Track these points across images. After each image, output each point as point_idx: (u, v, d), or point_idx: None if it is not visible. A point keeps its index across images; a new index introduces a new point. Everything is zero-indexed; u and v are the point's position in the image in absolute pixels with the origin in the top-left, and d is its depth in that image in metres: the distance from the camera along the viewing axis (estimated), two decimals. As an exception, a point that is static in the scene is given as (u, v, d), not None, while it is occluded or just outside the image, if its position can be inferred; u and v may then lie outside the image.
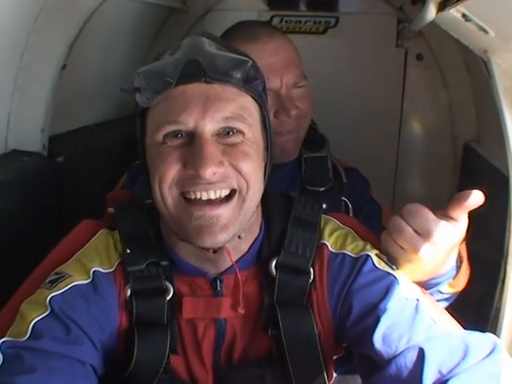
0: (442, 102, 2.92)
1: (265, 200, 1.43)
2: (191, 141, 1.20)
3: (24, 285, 1.38)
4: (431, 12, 1.61)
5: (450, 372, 1.13)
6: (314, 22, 2.92)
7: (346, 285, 1.31)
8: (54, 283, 1.28)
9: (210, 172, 1.16)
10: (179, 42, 1.29)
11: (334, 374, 1.55)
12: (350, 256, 1.34)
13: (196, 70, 1.20)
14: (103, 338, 1.29)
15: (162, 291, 1.34)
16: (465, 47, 1.82)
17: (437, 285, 1.41)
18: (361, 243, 1.38)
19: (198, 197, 1.21)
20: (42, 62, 1.99)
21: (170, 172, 1.20)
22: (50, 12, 1.88)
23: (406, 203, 2.99)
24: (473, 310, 1.99)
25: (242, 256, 1.36)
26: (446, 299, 1.49)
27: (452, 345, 1.17)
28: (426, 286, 1.38)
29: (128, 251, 1.34)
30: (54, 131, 2.21)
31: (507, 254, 1.78)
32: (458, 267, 1.43)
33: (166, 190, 1.22)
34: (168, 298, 1.34)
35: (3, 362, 1.14)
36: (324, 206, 1.46)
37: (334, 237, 1.39)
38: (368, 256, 1.33)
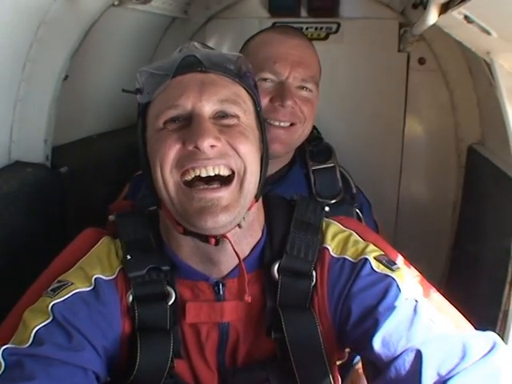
0: (445, 106, 2.92)
1: (266, 204, 1.45)
2: (189, 123, 1.25)
3: (27, 293, 1.38)
4: (433, 15, 1.61)
5: (448, 373, 1.12)
6: (316, 28, 2.92)
7: (345, 289, 1.32)
8: (56, 291, 1.29)
9: (207, 144, 1.20)
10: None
11: (340, 380, 1.53)
12: (350, 261, 1.34)
13: (192, 62, 1.29)
14: (106, 344, 1.29)
15: (164, 296, 1.34)
16: (467, 49, 1.81)
17: None
18: (361, 246, 1.38)
19: (198, 174, 1.23)
20: (43, 73, 2.00)
21: (171, 152, 1.23)
22: (51, 23, 1.88)
23: (410, 207, 3.04)
24: (480, 312, 1.98)
25: (244, 259, 1.36)
26: None
27: (450, 346, 1.17)
28: None
29: (129, 257, 1.35)
30: (57, 142, 2.22)
31: (514, 256, 1.77)
32: None
33: (168, 174, 1.24)
34: (170, 302, 1.34)
35: (4, 369, 1.13)
36: (327, 209, 1.47)
37: (336, 241, 1.40)
38: (366, 260, 1.33)
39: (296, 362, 1.31)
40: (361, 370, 1.87)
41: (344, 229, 1.45)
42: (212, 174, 1.23)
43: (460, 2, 1.34)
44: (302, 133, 1.97)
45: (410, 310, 1.23)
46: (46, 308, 1.24)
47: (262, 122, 1.39)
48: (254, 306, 1.37)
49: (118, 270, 1.36)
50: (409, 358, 1.17)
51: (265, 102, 1.87)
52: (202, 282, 1.36)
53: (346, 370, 1.90)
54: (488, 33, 1.42)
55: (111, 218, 1.47)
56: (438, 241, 3.05)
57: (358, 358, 1.90)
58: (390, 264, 1.34)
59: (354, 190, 2.11)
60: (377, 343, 1.22)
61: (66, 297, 1.27)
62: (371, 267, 1.32)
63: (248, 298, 1.34)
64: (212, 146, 1.21)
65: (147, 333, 1.32)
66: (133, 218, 1.46)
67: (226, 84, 1.29)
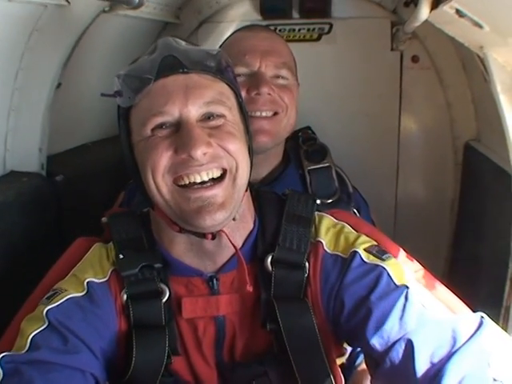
0: (440, 103, 2.92)
1: (258, 198, 1.47)
2: (178, 129, 1.25)
3: (25, 305, 1.39)
4: (425, 10, 1.61)
5: (441, 360, 1.12)
6: (308, 30, 2.92)
7: (336, 282, 1.33)
8: (50, 298, 1.29)
9: (200, 152, 1.21)
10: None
11: (343, 381, 1.52)
12: (341, 257, 1.35)
13: (173, 63, 1.27)
14: (103, 345, 1.29)
15: (158, 293, 1.35)
16: (460, 45, 1.81)
17: None
18: (352, 239, 1.39)
19: (192, 180, 1.24)
20: (36, 82, 2.00)
21: (162, 160, 1.24)
22: (42, 30, 1.88)
23: (408, 205, 3.03)
24: (481, 310, 1.97)
25: (234, 254, 1.36)
26: None
27: (441, 332, 1.17)
28: None
29: (121, 256, 1.36)
30: (52, 151, 2.21)
31: (514, 252, 1.77)
32: None
33: (160, 179, 1.25)
34: (164, 299, 1.34)
35: (3, 377, 1.13)
36: (318, 201, 1.47)
37: (330, 235, 1.40)
38: (356, 252, 1.33)
39: (293, 352, 1.31)
40: (363, 370, 1.86)
41: (337, 222, 1.46)
42: (206, 178, 1.25)
43: (451, -4, 1.34)
44: (286, 122, 1.96)
45: (401, 297, 1.24)
46: (41, 314, 1.25)
47: (245, 113, 1.40)
48: (249, 299, 1.38)
49: (109, 271, 1.37)
50: (401, 349, 1.18)
51: (242, 94, 1.87)
52: (195, 277, 1.37)
53: (349, 371, 1.89)
54: (480, 26, 1.42)
55: (104, 219, 1.49)
56: (436, 239, 3.04)
57: (360, 358, 1.89)
58: (381, 254, 1.34)
59: (351, 190, 2.10)
60: (370, 333, 1.23)
61: (59, 302, 1.27)
62: (361, 258, 1.33)
63: (250, 288, 1.34)
64: (205, 153, 1.22)
65: (142, 330, 1.32)
66: (125, 218, 1.48)
67: (209, 83, 1.30)
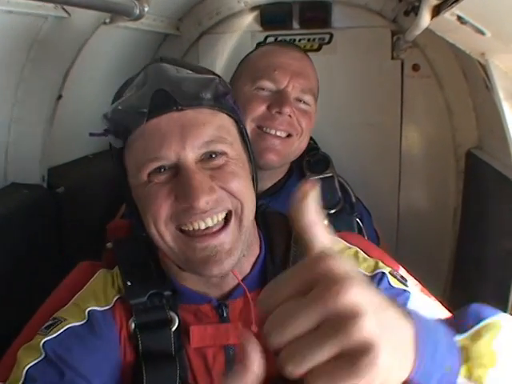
0: (441, 111, 2.91)
1: (264, 220, 1.41)
2: (177, 173, 1.18)
3: (24, 331, 1.34)
4: (426, 18, 1.60)
5: None
6: (308, 40, 2.92)
7: None
8: (49, 328, 1.24)
9: (203, 202, 1.14)
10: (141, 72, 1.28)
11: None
12: (365, 274, 1.29)
13: (165, 100, 1.17)
14: (103, 378, 1.23)
15: (167, 322, 1.29)
16: (461, 52, 1.81)
17: None
18: (372, 262, 1.34)
19: (196, 227, 1.18)
20: (37, 93, 1.99)
21: (163, 209, 1.17)
22: (43, 42, 1.88)
23: (411, 214, 3.02)
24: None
25: (245, 277, 1.32)
26: None
27: None
28: None
29: (129, 283, 1.31)
30: (52, 162, 2.21)
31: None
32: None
33: (163, 227, 1.19)
34: (173, 328, 1.29)
35: None
36: (325, 222, 1.43)
37: (345, 255, 1.35)
38: (383, 274, 1.29)
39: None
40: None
41: (349, 246, 1.40)
42: (211, 224, 1.19)
43: (453, 3, 1.34)
44: (298, 146, 1.96)
45: None
46: (38, 345, 1.20)
47: (247, 140, 1.33)
48: (260, 326, 1.34)
49: (114, 299, 1.32)
50: None
51: (262, 109, 1.86)
52: (204, 304, 1.32)
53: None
54: (482, 33, 1.41)
55: (109, 245, 1.45)
56: (440, 247, 3.03)
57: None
58: (404, 280, 1.31)
59: (354, 200, 2.09)
60: None
61: (58, 333, 1.22)
62: (388, 282, 1.28)
63: (254, 329, 1.28)
64: (208, 202, 1.16)
65: (152, 360, 1.26)
66: (130, 243, 1.43)
67: (207, 119, 1.20)
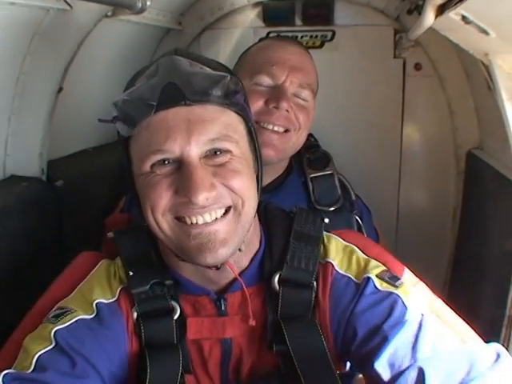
0: (442, 111, 2.90)
1: (265, 215, 1.42)
2: (179, 166, 1.18)
3: (26, 319, 1.35)
4: (430, 17, 1.59)
5: None
6: (311, 37, 2.91)
7: (348, 308, 1.29)
8: (58, 317, 1.25)
9: (202, 198, 1.15)
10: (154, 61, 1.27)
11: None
12: (354, 281, 1.32)
13: (174, 94, 1.17)
14: (113, 368, 1.26)
15: (169, 311, 1.31)
16: (464, 53, 1.81)
17: None
18: (363, 264, 1.35)
19: (194, 222, 1.19)
20: (37, 86, 1.98)
21: (162, 200, 1.18)
22: (44, 35, 1.87)
23: (410, 213, 3.02)
24: (484, 317, 1.96)
25: (243, 271, 1.34)
26: None
27: (455, 362, 1.14)
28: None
29: (131, 273, 1.33)
30: (52, 156, 2.20)
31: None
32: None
33: (160, 217, 1.20)
34: (175, 317, 1.31)
35: None
36: (326, 220, 1.44)
37: (340, 256, 1.37)
38: (369, 279, 1.30)
39: (303, 374, 1.26)
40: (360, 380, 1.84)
41: (346, 244, 1.42)
42: (209, 220, 1.19)
43: (457, 3, 1.33)
44: (295, 141, 1.95)
45: (415, 325, 1.21)
46: (49, 334, 1.21)
47: (255, 138, 1.33)
48: (257, 321, 1.34)
49: (118, 290, 1.34)
50: (411, 377, 1.15)
51: (259, 104, 1.85)
52: (203, 296, 1.33)
53: (349, 379, 1.87)
54: (486, 33, 1.40)
55: (110, 235, 1.44)
56: (439, 247, 3.03)
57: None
58: (393, 280, 1.31)
59: (353, 197, 2.09)
60: (382, 361, 1.19)
61: (69, 323, 1.24)
62: (374, 286, 1.29)
63: (252, 322, 1.32)
64: (207, 198, 1.16)
65: (155, 349, 1.29)
66: (131, 233, 1.43)
67: (215, 116, 1.20)
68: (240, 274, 1.32)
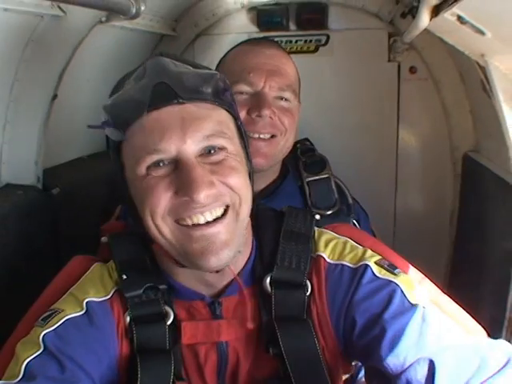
0: (438, 114, 2.91)
1: (256, 216, 1.40)
2: (176, 167, 1.17)
3: (20, 325, 1.34)
4: (425, 18, 1.59)
5: None
6: (305, 41, 2.91)
7: (346, 298, 1.27)
8: (46, 320, 1.24)
9: (203, 195, 1.13)
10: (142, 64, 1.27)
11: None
12: (349, 267, 1.30)
13: (166, 93, 1.16)
14: (102, 370, 1.24)
15: (162, 316, 1.30)
16: (459, 55, 1.81)
17: None
18: (360, 251, 1.34)
19: (195, 222, 1.18)
20: (32, 93, 1.97)
21: (161, 202, 1.16)
22: (38, 41, 1.86)
23: (408, 216, 3.02)
24: (484, 321, 1.95)
25: (238, 274, 1.32)
26: None
27: (465, 355, 1.13)
28: None
29: (124, 277, 1.31)
30: (48, 164, 2.19)
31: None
32: None
33: (160, 221, 1.18)
34: (168, 322, 1.29)
35: None
36: (317, 217, 1.43)
37: (331, 247, 1.35)
38: (367, 266, 1.28)
39: (295, 376, 1.25)
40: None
41: (338, 236, 1.40)
42: (210, 219, 1.18)
43: (453, 3, 1.33)
44: (284, 145, 1.94)
45: (417, 317, 1.19)
46: (37, 338, 1.20)
47: (245, 137, 1.33)
48: (253, 324, 1.33)
49: (113, 290, 1.32)
50: (420, 369, 1.13)
51: (242, 114, 1.82)
52: (197, 301, 1.32)
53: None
54: (482, 33, 1.40)
55: (104, 239, 1.44)
56: (437, 249, 3.03)
57: (362, 372, 1.86)
58: (392, 268, 1.29)
59: (350, 201, 2.08)
60: (385, 352, 1.17)
61: (56, 325, 1.22)
62: (373, 273, 1.27)
63: (250, 325, 1.30)
64: (208, 195, 1.15)
65: (147, 354, 1.27)
66: (126, 238, 1.42)
67: (207, 113, 1.19)
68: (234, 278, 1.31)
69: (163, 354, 1.28)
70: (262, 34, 2.88)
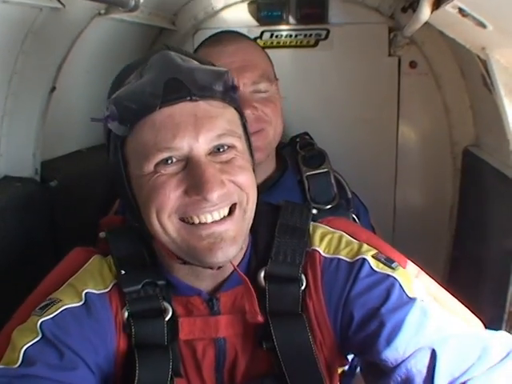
0: (438, 109, 2.90)
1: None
2: (185, 165, 1.16)
3: (16, 314, 1.34)
4: (426, 11, 1.58)
5: (463, 374, 1.09)
6: (305, 36, 2.90)
7: (343, 292, 1.27)
8: (44, 309, 1.24)
9: (216, 195, 1.13)
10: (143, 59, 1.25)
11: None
12: (345, 261, 1.29)
13: (178, 89, 1.14)
14: (99, 360, 1.24)
15: (161, 312, 1.29)
16: (459, 49, 1.80)
17: None
18: (356, 245, 1.33)
19: (203, 221, 1.17)
20: (31, 86, 1.96)
21: (170, 201, 1.15)
22: (37, 34, 1.85)
23: (407, 211, 3.01)
24: (483, 318, 1.95)
25: (233, 271, 1.31)
26: None
27: (466, 344, 1.13)
28: None
29: (123, 272, 1.31)
30: (46, 156, 2.18)
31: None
32: None
33: (166, 219, 1.17)
34: (167, 318, 1.29)
35: None
36: (314, 211, 1.43)
37: (326, 241, 1.35)
38: (364, 260, 1.28)
39: (288, 371, 1.25)
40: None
41: (333, 230, 1.40)
42: (218, 218, 1.18)
43: (454, -6, 1.32)
44: (274, 133, 1.93)
45: (416, 310, 1.19)
46: (35, 326, 1.19)
47: (249, 134, 1.32)
48: (249, 319, 1.32)
49: (112, 284, 1.32)
50: (421, 358, 1.13)
51: None
52: (194, 296, 1.31)
53: (350, 378, 1.86)
54: (483, 26, 1.39)
55: (102, 234, 1.43)
56: (436, 244, 3.02)
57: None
58: (390, 262, 1.29)
59: (350, 195, 2.08)
60: (383, 345, 1.17)
61: (55, 313, 1.22)
62: (370, 267, 1.27)
63: (260, 318, 1.28)
64: (219, 195, 1.15)
65: (145, 350, 1.26)
66: (124, 233, 1.42)
67: (219, 112, 1.18)
68: (232, 272, 1.31)
69: (161, 350, 1.27)
70: (261, 28, 2.88)
